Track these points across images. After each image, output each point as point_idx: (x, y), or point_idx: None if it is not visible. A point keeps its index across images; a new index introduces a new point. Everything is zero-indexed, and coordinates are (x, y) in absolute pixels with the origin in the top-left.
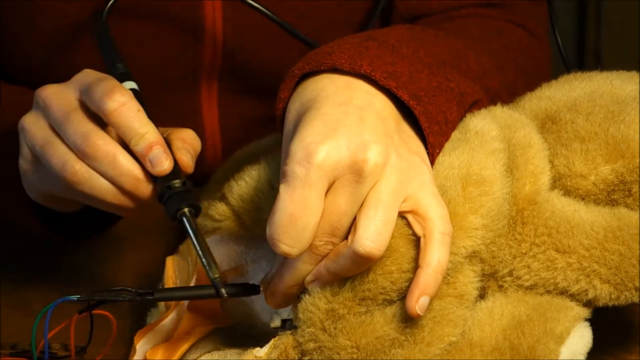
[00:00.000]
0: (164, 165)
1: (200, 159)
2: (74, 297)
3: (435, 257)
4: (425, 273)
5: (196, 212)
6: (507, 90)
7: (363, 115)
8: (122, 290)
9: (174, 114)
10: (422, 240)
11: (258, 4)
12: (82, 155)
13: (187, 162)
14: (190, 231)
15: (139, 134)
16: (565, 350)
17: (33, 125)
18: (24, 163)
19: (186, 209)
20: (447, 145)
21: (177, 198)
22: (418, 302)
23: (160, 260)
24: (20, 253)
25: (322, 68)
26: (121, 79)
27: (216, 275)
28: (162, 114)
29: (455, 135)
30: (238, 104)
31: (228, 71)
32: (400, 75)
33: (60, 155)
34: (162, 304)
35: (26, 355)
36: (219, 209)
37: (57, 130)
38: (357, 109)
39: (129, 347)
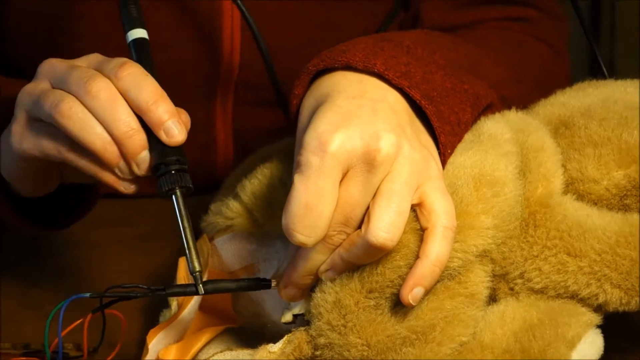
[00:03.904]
0: (179, 137)
1: (211, 169)
2: (86, 295)
3: (435, 249)
4: (423, 264)
5: (187, 193)
6: (522, 102)
7: (376, 107)
8: (134, 287)
9: None
10: (425, 232)
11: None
12: (83, 94)
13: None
14: (178, 214)
15: (155, 98)
16: (576, 355)
17: (33, 87)
18: (15, 126)
19: (178, 190)
20: (460, 146)
21: (173, 176)
22: (412, 292)
23: (173, 262)
24: (31, 254)
25: (336, 65)
26: (131, 24)
27: (197, 270)
28: None
29: (468, 137)
30: (252, 115)
31: (244, 82)
32: (414, 75)
33: (56, 96)
34: (174, 305)
35: (39, 355)
36: (231, 207)
37: (58, 84)
38: (370, 101)
39: (142, 348)
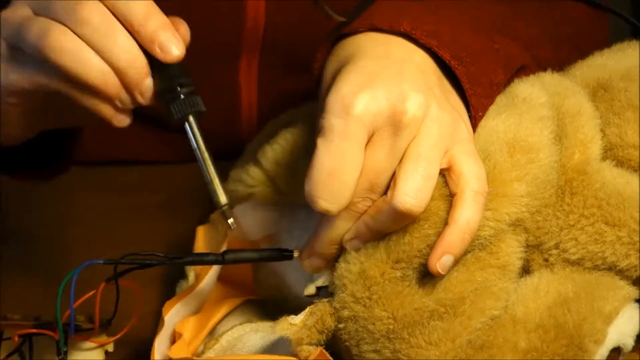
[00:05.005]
0: (175, 51)
1: (235, 135)
2: (100, 261)
3: (465, 215)
4: (452, 231)
5: (200, 116)
6: (558, 64)
7: (402, 68)
8: (150, 254)
9: (210, 86)
10: (454, 197)
11: None
12: (73, 21)
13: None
14: (195, 142)
15: (146, 12)
16: (613, 331)
17: (12, 12)
18: None
19: (191, 116)
20: (492, 109)
21: (183, 101)
22: (440, 261)
23: (191, 230)
24: (45, 222)
25: (361, 29)
26: None
27: (223, 203)
28: (197, 86)
29: (500, 100)
30: (278, 80)
31: (269, 45)
32: (442, 34)
33: (42, 25)
34: (192, 275)
35: (50, 327)
36: (252, 174)
37: (41, 11)
38: (396, 62)
39: (157, 320)
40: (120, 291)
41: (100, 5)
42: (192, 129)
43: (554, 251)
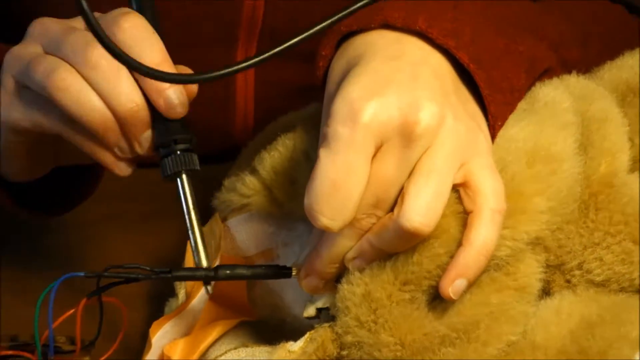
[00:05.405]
0: (180, 109)
1: (228, 131)
2: (81, 274)
3: (482, 235)
4: (467, 253)
5: (193, 175)
6: (587, 66)
7: (417, 72)
8: (136, 267)
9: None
10: (470, 216)
11: None
12: (80, 63)
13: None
14: (184, 201)
15: (158, 63)
16: None
17: (22, 49)
18: (2, 92)
19: (184, 174)
20: (512, 117)
21: (179, 157)
22: (453, 285)
23: (181, 243)
24: (21, 233)
25: (372, 25)
26: None
27: (204, 266)
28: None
29: (521, 105)
30: (277, 69)
31: (269, 30)
32: (462, 33)
33: (49, 64)
34: (182, 293)
35: (27, 349)
36: (248, 183)
37: (51, 49)
38: (410, 64)
39: (144, 342)
40: (104, 309)
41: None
42: (183, 188)
43: (577, 272)
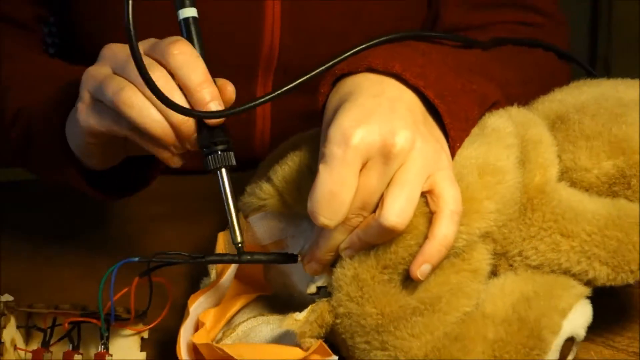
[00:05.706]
0: (217, 119)
1: (250, 146)
2: (135, 259)
3: (442, 231)
4: (431, 244)
5: (231, 170)
6: (526, 100)
7: (394, 106)
8: (177, 254)
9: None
10: (434, 216)
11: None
12: (142, 85)
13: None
14: (223, 191)
15: (202, 81)
16: (567, 324)
17: (96, 70)
18: (81, 104)
19: (224, 169)
20: (467, 140)
21: (219, 156)
22: (420, 269)
23: (213, 235)
24: (91, 228)
25: (359, 69)
26: (182, 2)
27: (239, 241)
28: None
29: (474, 130)
30: (289, 98)
31: (283, 67)
32: (428, 76)
33: (118, 84)
34: (213, 273)
35: (94, 316)
36: (264, 189)
37: (119, 71)
38: (389, 100)
39: (184, 311)
40: (153, 286)
41: (164, 72)
42: (223, 181)
43: (518, 258)
